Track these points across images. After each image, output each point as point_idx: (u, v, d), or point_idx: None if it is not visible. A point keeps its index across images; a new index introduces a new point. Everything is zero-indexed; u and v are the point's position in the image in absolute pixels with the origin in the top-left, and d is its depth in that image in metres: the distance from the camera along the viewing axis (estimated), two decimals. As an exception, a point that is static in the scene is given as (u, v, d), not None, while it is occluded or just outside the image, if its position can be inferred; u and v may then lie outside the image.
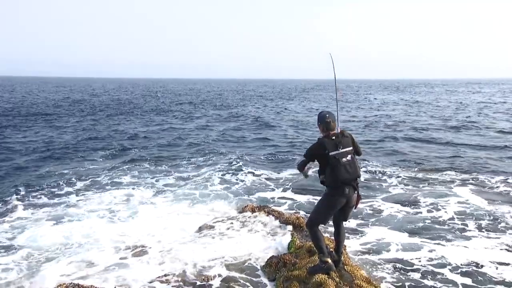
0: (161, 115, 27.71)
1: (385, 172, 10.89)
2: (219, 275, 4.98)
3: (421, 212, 7.68)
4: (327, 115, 4.11)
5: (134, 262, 5.53)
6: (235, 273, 5.07)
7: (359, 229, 6.90)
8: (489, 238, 6.44)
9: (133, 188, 9.44)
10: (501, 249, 6.00)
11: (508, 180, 9.82)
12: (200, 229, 6.81)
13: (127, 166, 11.76)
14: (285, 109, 33.30)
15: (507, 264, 5.48)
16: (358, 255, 5.83)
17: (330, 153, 3.94)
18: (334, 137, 4.03)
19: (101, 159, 12.93)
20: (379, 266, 5.48)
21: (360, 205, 8.03)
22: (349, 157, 3.99)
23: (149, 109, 32.47)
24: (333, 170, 3.95)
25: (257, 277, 4.99)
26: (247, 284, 4.84)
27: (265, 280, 4.91)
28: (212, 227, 6.79)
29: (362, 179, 10.18)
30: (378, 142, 15.92)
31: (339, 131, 4.19)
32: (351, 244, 6.19)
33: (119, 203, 8.38)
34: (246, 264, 5.35)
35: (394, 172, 10.89)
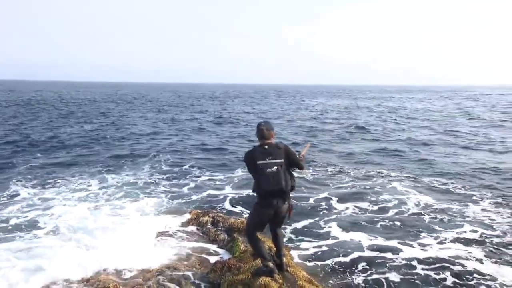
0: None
1: (338, 170, 11.44)
2: (162, 284, 4.83)
3: (373, 210, 7.95)
4: (262, 124, 4.17)
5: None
6: (179, 280, 4.95)
7: (312, 231, 6.93)
8: (439, 234, 6.68)
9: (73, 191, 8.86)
10: (454, 243, 6.31)
11: (454, 178, 10.58)
12: (143, 236, 6.55)
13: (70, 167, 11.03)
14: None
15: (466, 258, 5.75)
16: (308, 260, 5.80)
17: (258, 162, 4.00)
18: (266, 147, 4.07)
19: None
20: (331, 267, 5.59)
21: (311, 203, 8.28)
22: (274, 168, 4.00)
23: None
24: (258, 179, 4.02)
25: (202, 283, 4.92)
26: (192, 291, 4.76)
27: (210, 286, 4.85)
28: (155, 233, 6.58)
29: (311, 178, 10.53)
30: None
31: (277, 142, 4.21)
32: (306, 246, 6.25)
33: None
34: (190, 271, 5.25)
35: (346, 170, 11.44)
